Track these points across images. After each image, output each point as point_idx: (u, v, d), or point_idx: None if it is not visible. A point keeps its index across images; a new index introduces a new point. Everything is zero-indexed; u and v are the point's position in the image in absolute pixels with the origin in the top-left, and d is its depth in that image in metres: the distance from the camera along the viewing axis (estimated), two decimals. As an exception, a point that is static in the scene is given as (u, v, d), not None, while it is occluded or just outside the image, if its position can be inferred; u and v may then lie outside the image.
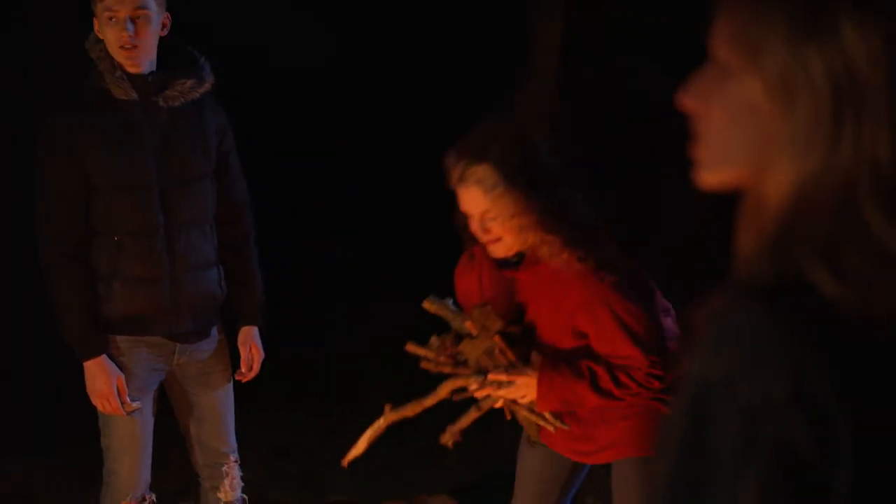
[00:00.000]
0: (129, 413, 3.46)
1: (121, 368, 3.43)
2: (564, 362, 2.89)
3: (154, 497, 3.71)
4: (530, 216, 2.73)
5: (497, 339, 2.90)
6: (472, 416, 3.04)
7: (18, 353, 5.55)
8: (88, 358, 3.39)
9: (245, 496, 3.84)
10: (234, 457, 3.77)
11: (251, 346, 3.70)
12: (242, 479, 3.87)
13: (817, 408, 1.03)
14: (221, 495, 3.75)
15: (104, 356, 3.38)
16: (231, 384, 3.72)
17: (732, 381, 1.06)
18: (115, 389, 3.39)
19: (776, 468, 1.03)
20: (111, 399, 3.39)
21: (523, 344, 2.97)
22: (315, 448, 5.88)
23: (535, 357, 2.95)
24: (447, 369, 2.98)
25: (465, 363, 2.96)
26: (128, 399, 3.43)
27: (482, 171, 2.72)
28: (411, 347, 3.00)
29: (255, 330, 3.72)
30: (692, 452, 1.08)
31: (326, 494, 4.92)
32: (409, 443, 4.11)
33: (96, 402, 3.42)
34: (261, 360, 3.73)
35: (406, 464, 4.74)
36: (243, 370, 3.71)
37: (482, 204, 2.76)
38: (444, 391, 2.98)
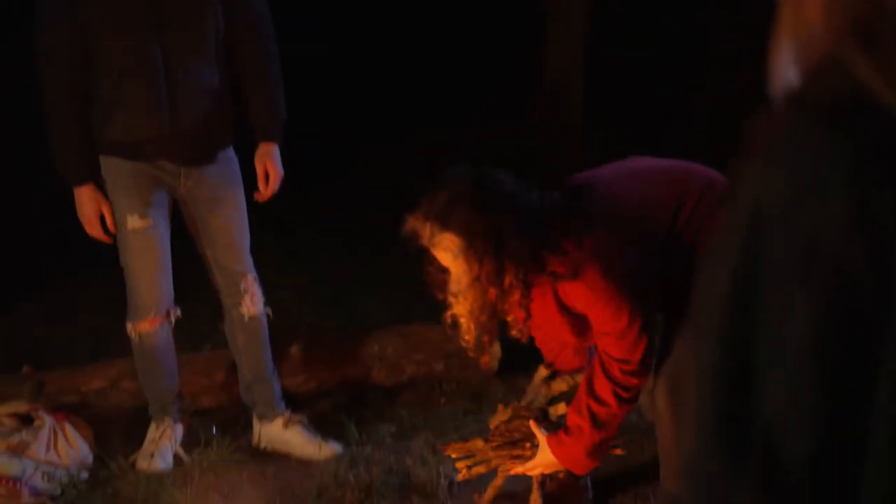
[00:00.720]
0: (143, 232, 3.51)
1: (124, 190, 3.48)
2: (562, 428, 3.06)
3: (179, 311, 3.74)
4: (489, 279, 2.76)
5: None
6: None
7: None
8: (75, 185, 3.47)
9: (269, 310, 3.86)
10: (252, 275, 3.79)
11: (267, 163, 3.66)
12: (273, 303, 3.86)
13: (878, 231, 0.99)
14: (244, 310, 3.81)
15: (91, 184, 3.46)
16: (243, 207, 3.69)
17: (791, 203, 1.02)
18: (100, 217, 3.49)
19: (832, 291, 1.00)
20: (96, 225, 3.49)
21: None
22: (350, 274, 5.88)
23: (539, 434, 3.13)
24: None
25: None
26: (113, 226, 3.50)
27: (447, 239, 2.75)
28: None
29: (272, 147, 3.66)
30: (746, 275, 1.03)
31: (363, 318, 4.92)
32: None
33: (84, 225, 3.52)
34: (278, 179, 3.67)
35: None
36: (259, 188, 3.68)
37: (451, 265, 2.80)
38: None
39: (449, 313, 2.88)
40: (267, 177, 3.67)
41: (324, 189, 7.49)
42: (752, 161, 1.06)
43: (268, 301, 3.86)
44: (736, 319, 1.04)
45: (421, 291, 2.90)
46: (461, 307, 2.83)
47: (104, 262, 3.92)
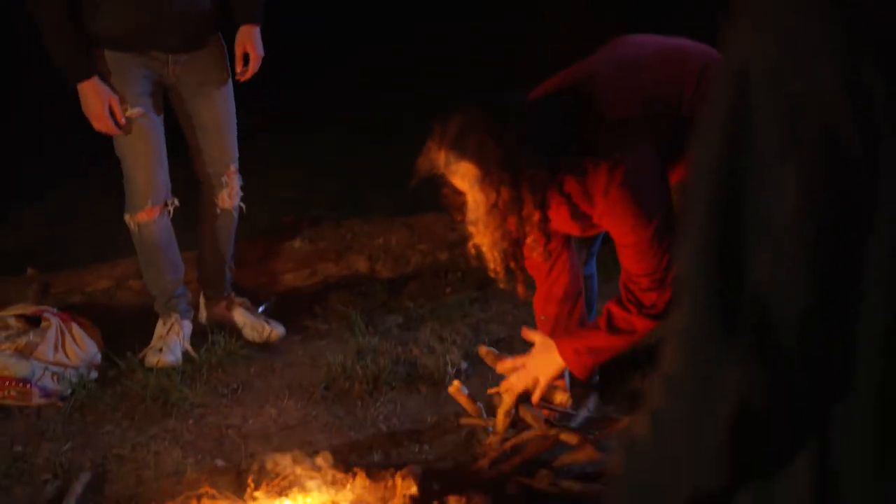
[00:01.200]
0: (135, 120, 3.50)
1: (114, 80, 3.47)
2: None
3: (176, 201, 3.73)
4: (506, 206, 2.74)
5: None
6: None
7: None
8: (78, 80, 3.44)
9: (243, 205, 3.87)
10: (234, 167, 3.79)
11: (246, 45, 3.64)
12: (278, 199, 3.85)
13: (865, 99, 0.97)
14: (219, 201, 3.82)
15: (95, 77, 3.43)
16: (230, 95, 3.70)
17: (777, 69, 1.00)
18: (108, 108, 3.45)
19: (818, 158, 0.98)
20: (104, 118, 3.46)
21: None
22: (356, 167, 5.83)
23: (535, 337, 3.10)
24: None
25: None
26: (122, 117, 3.48)
27: (463, 168, 2.70)
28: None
29: (252, 29, 3.65)
30: (733, 143, 1.02)
31: (368, 211, 4.89)
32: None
33: (91, 121, 3.49)
34: (258, 61, 3.65)
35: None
36: (236, 69, 3.66)
37: (468, 192, 2.77)
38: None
39: (470, 244, 2.85)
40: (246, 58, 3.65)
41: (323, 82, 7.40)
42: (741, 24, 1.03)
43: (272, 197, 3.85)
44: (725, 186, 1.01)
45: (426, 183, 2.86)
46: (481, 236, 2.80)
47: (104, 162, 3.89)
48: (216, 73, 3.65)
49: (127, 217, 3.69)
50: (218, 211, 3.84)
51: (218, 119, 3.69)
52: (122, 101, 3.49)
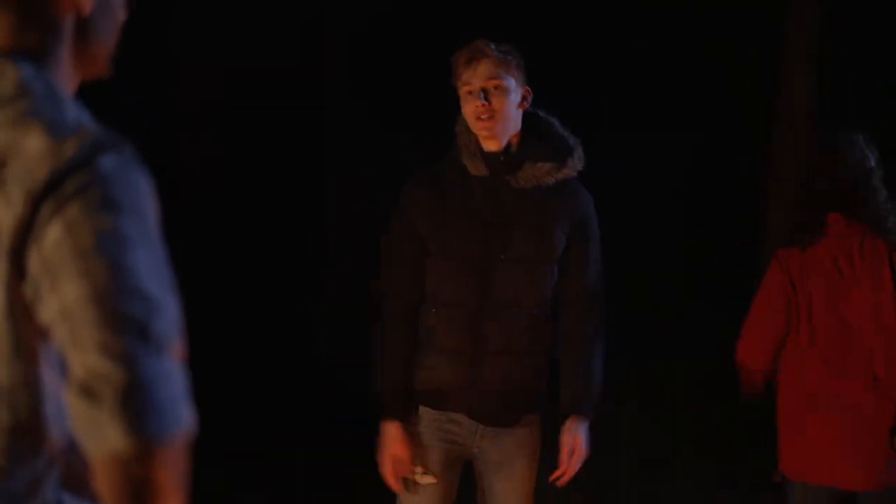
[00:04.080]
0: (424, 485, 3.40)
1: (420, 438, 3.39)
2: None
3: None
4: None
5: None
6: None
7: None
8: (387, 417, 3.38)
9: None
10: None
11: (570, 439, 3.40)
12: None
13: None
14: None
15: (400, 423, 3.36)
16: (531, 479, 3.49)
17: None
18: (397, 459, 3.36)
19: None
20: (388, 468, 3.37)
21: None
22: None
23: None
24: None
25: None
26: (413, 473, 3.39)
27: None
28: None
29: (578, 423, 3.42)
30: None
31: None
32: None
33: (380, 463, 3.40)
34: (579, 459, 3.42)
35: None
36: (559, 465, 3.44)
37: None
38: None
39: None
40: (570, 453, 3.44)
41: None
42: None
43: None
44: None
45: None
46: None
47: None
48: (522, 453, 3.47)
49: None
50: None
51: (510, 501, 3.48)
52: (417, 461, 3.39)
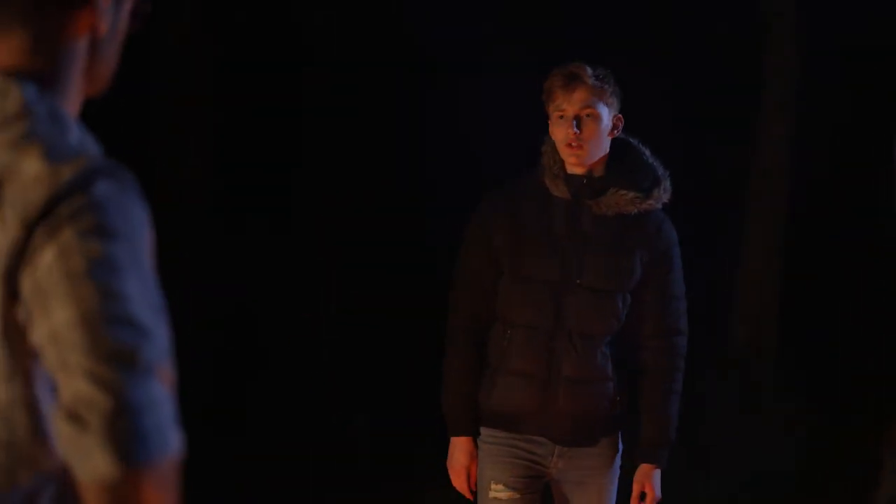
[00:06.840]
0: (503, 501, 3.35)
1: (497, 457, 3.36)
2: None
3: None
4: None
5: None
6: None
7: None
8: (454, 434, 3.41)
9: None
10: None
11: (644, 484, 3.41)
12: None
13: None
14: None
15: (468, 438, 3.38)
16: (612, 499, 3.47)
17: None
18: (467, 474, 3.39)
19: None
20: (462, 480, 3.40)
21: None
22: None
23: None
24: None
25: None
26: (489, 490, 3.36)
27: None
28: None
29: (652, 470, 3.42)
30: None
31: None
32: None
33: (451, 475, 3.44)
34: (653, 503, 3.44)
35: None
36: None
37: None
38: None
39: None
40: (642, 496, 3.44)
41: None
42: None
43: None
44: None
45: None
46: None
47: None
48: (601, 472, 3.43)
49: None
50: None
51: None
52: (497, 480, 3.34)
